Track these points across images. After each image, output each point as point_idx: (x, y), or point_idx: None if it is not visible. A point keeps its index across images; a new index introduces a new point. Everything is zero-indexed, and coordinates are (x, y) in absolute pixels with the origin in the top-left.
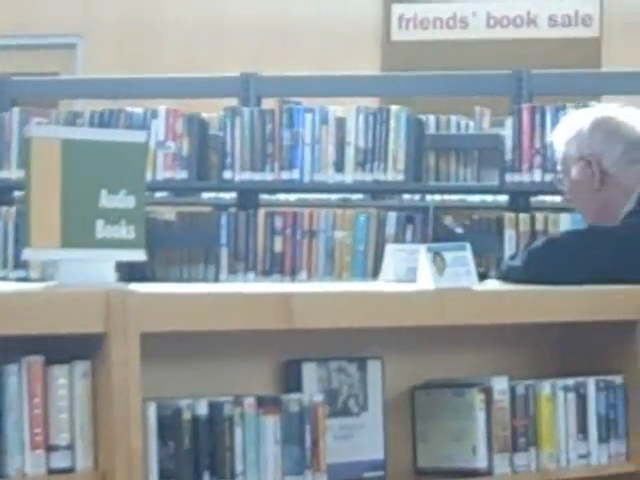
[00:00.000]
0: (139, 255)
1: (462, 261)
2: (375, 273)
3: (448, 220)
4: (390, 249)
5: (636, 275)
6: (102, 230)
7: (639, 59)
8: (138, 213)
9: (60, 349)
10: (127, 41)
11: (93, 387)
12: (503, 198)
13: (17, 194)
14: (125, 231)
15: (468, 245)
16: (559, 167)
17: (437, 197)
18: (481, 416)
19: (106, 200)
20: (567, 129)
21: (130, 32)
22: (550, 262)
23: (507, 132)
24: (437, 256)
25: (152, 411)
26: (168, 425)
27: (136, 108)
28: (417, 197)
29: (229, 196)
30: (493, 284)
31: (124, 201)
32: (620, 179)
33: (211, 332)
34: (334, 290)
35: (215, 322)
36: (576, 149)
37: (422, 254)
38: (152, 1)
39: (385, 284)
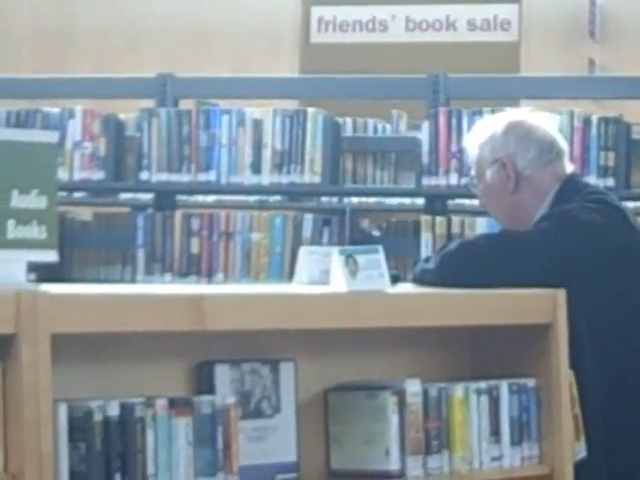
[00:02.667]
0: (51, 256)
1: (375, 264)
2: (292, 275)
3: (365, 223)
4: (303, 251)
5: (548, 279)
6: (13, 230)
7: (557, 63)
8: (50, 213)
9: None
10: (44, 41)
11: (3, 389)
12: (420, 201)
13: None
14: (37, 231)
15: (381, 248)
16: (473, 172)
17: (354, 200)
18: (394, 419)
19: (17, 200)
20: (480, 133)
21: (48, 32)
22: (463, 266)
23: (424, 135)
24: (350, 259)
25: (63, 412)
26: (79, 427)
27: (52, 108)
28: (334, 200)
29: (146, 197)
30: (406, 287)
31: (36, 201)
32: (535, 181)
33: (123, 333)
34: (246, 292)
35: (127, 323)
36: (490, 152)
37: (335, 257)
38: (70, 1)
39: (298, 286)
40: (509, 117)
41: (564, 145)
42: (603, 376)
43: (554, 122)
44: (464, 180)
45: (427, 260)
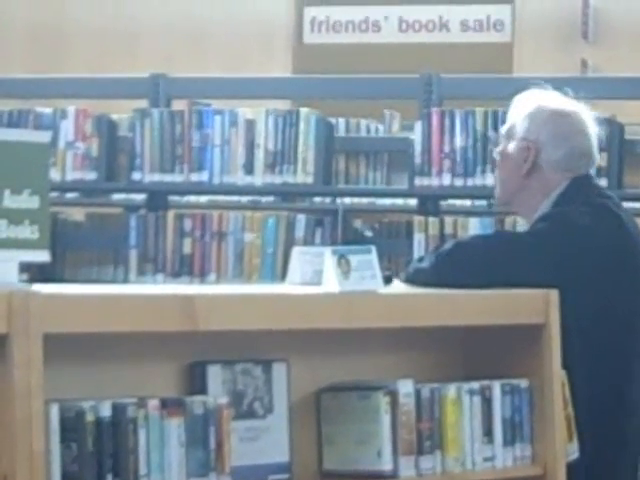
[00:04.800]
0: (43, 255)
1: (367, 264)
2: (284, 275)
3: (358, 223)
4: (296, 252)
5: (541, 280)
6: (5, 230)
7: (550, 64)
8: (42, 213)
9: None
10: (37, 40)
11: None
12: (412, 202)
13: None
14: (29, 231)
15: (373, 248)
16: (502, 131)
17: (347, 200)
18: (386, 419)
19: (9, 200)
20: (530, 104)
21: (41, 32)
22: (458, 266)
23: (416, 136)
24: (342, 259)
25: (55, 413)
26: (71, 427)
27: (45, 108)
28: (327, 200)
29: (138, 197)
30: (399, 287)
31: (28, 201)
32: (547, 177)
33: (115, 334)
34: (239, 292)
35: (119, 323)
36: (525, 128)
37: (327, 257)
38: (63, 2)
39: (291, 287)
40: (563, 104)
41: (596, 155)
42: (594, 377)
43: (597, 126)
44: (457, 181)
45: (421, 260)
